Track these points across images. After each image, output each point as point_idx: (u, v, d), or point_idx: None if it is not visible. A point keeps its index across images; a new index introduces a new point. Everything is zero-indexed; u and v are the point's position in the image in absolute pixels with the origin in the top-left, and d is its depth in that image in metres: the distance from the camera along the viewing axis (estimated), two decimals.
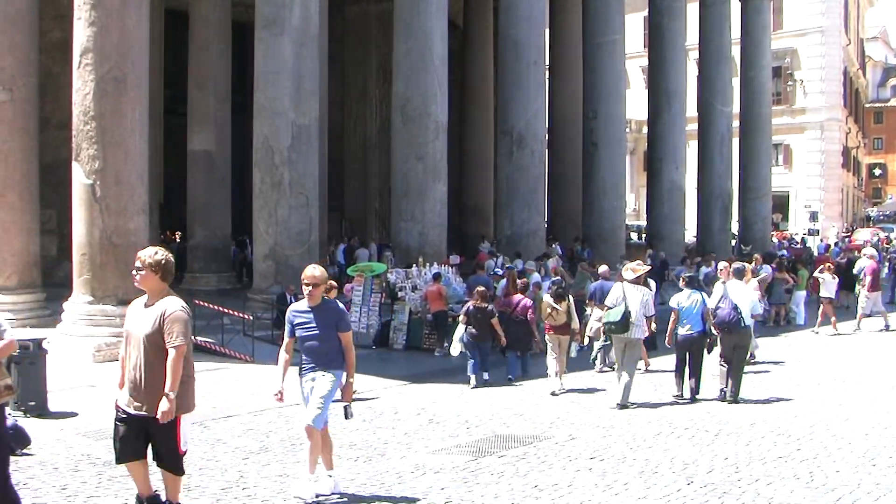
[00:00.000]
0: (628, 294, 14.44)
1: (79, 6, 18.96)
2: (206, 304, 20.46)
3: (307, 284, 9.04)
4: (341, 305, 9.79)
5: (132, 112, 18.97)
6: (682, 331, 14.75)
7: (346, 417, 9.25)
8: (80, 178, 18.85)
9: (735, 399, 14.33)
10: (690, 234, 43.53)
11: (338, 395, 9.26)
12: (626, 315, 14.16)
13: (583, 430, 12.35)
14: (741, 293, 14.86)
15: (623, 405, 13.95)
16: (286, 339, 9.34)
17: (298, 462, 10.37)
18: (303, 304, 9.25)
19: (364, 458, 10.80)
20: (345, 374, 9.20)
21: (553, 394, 15.35)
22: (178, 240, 32.09)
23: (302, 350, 9.23)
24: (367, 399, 14.76)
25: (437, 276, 21.18)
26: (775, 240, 49.32)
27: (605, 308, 14.93)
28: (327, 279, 9.51)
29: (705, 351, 14.84)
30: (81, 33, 18.91)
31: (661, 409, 13.97)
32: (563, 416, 13.38)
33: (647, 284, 15.97)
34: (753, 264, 25.68)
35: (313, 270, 9.10)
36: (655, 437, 11.81)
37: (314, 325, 9.09)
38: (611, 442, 11.52)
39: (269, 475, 9.87)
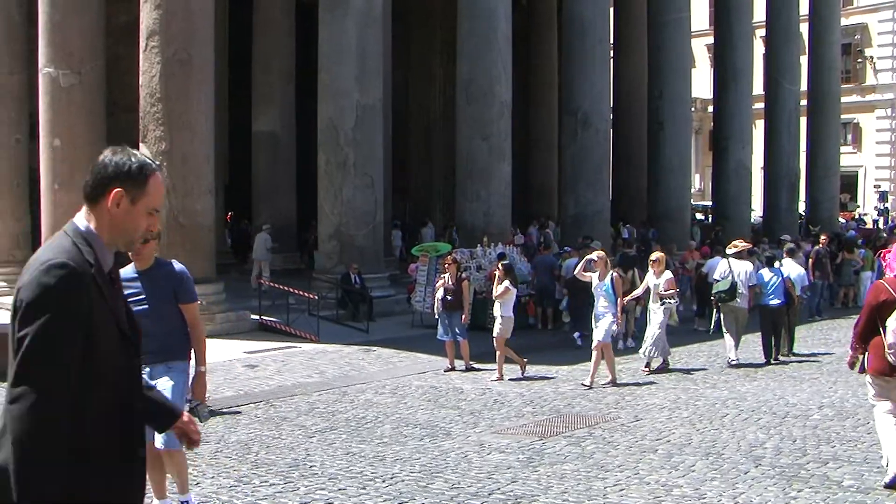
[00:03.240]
0: (734, 267, 16.61)
1: None
2: (272, 284, 20.61)
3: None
4: (180, 266, 7.25)
5: (198, 93, 19.15)
6: (773, 301, 16.73)
7: (200, 420, 6.04)
8: None
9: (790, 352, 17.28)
10: (757, 215, 42.95)
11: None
12: (734, 286, 16.30)
13: (648, 411, 12.26)
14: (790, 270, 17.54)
15: (735, 364, 15.93)
16: None
17: (364, 441, 10.42)
18: (129, 269, 6.86)
19: (429, 436, 10.79)
20: (193, 362, 7.18)
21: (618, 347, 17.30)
22: (235, 222, 32.32)
23: None
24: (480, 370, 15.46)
25: (501, 256, 21.10)
26: (842, 220, 48.47)
27: (715, 280, 17.11)
28: (159, 232, 6.99)
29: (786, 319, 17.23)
30: (148, 16, 19.11)
31: (729, 387, 13.83)
32: (627, 397, 13.29)
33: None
34: (820, 245, 25.39)
35: None
36: (722, 418, 11.67)
37: (142, 296, 6.81)
38: (676, 423, 11.41)
39: (336, 453, 9.89)
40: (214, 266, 19.37)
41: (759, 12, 39.72)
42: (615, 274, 14.26)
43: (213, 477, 8.88)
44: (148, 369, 6.69)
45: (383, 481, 8.74)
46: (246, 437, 10.68)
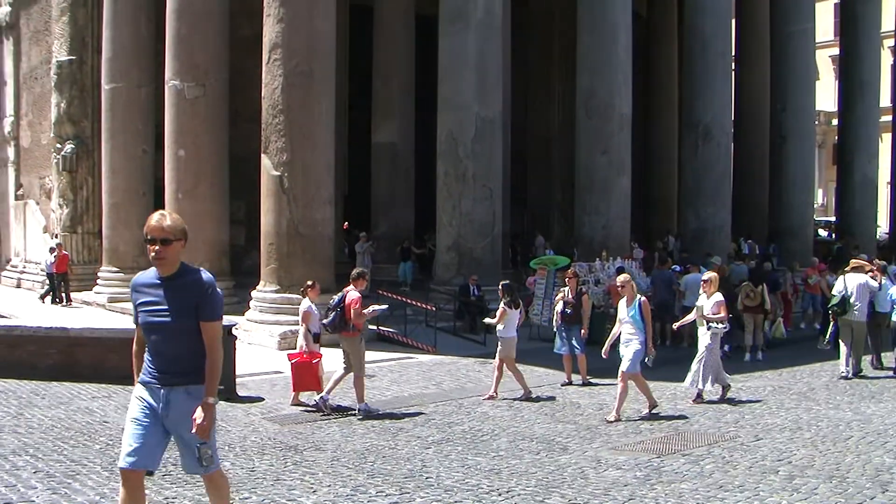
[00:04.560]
0: (848, 282, 17.11)
1: (268, 4, 19.51)
2: (389, 294, 20.72)
3: (152, 240, 5.88)
4: (208, 276, 6.14)
5: (319, 105, 19.40)
6: None
7: (200, 463, 5.94)
8: (268, 170, 19.38)
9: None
10: (882, 231, 41.85)
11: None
12: (845, 300, 16.90)
13: (769, 431, 11.94)
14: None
15: (847, 377, 16.36)
16: (136, 328, 6.23)
17: (480, 454, 10.37)
18: (150, 274, 6.13)
19: (546, 450, 10.68)
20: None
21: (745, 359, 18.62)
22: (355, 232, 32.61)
23: (148, 346, 6.10)
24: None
25: (620, 270, 20.92)
26: None
27: (831, 295, 17.82)
28: (185, 231, 6.05)
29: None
30: (271, 30, 19.45)
31: (853, 409, 13.41)
32: (747, 416, 12.98)
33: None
34: None
35: (161, 219, 5.94)
36: (846, 440, 11.32)
37: (165, 307, 5.96)
38: (798, 445, 11.09)
39: (452, 465, 9.85)
40: (333, 275, 19.54)
41: (888, 22, 38.75)
42: (643, 299, 13.60)
43: (329, 486, 8.91)
44: (159, 389, 5.94)
45: (499, 495, 8.67)
46: (362, 447, 10.71)
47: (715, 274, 15.47)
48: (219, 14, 22.61)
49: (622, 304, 13.42)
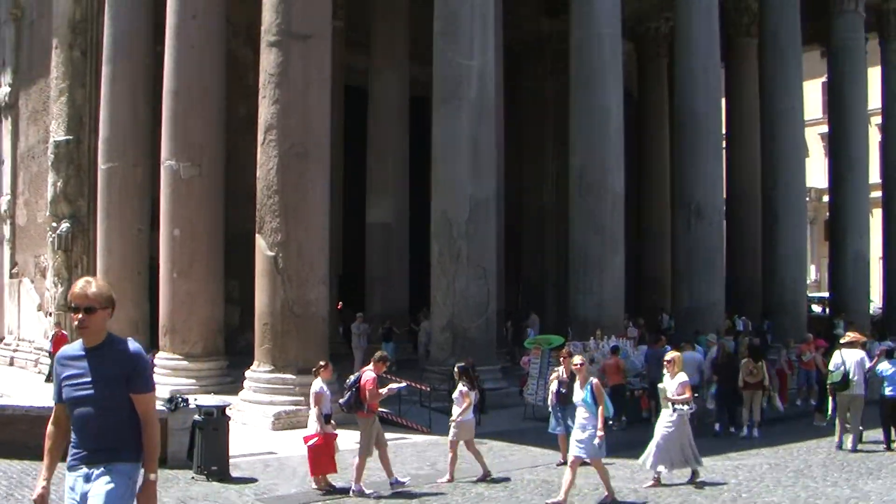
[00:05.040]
0: (846, 357, 17.51)
1: (264, 85, 19.72)
2: (384, 374, 20.63)
3: (75, 308, 5.58)
4: (136, 346, 5.77)
5: (313, 186, 19.52)
6: (888, 392, 17.27)
7: None
8: (263, 250, 19.45)
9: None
10: (876, 306, 41.91)
11: None
12: (846, 375, 17.26)
13: None
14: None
15: (853, 450, 16.89)
16: (54, 406, 5.84)
17: None
18: (75, 346, 5.77)
19: None
20: (141, 467, 5.72)
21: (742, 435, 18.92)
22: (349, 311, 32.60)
23: (72, 423, 5.69)
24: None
25: (615, 349, 20.96)
26: None
27: (829, 371, 17.98)
28: (111, 299, 5.66)
29: None
30: (266, 111, 19.64)
31: (851, 485, 13.36)
32: (744, 494, 12.91)
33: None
34: None
35: (86, 286, 5.62)
36: None
37: (88, 379, 5.57)
38: None
39: None
40: (328, 355, 19.48)
41: (874, 100, 39.22)
42: (595, 381, 13.46)
43: None
44: (84, 471, 5.57)
45: None
46: None
47: (678, 354, 15.43)
48: (215, 95, 22.84)
49: (576, 386, 13.37)
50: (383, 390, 13.30)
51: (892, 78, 38.23)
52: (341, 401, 13.26)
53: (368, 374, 13.14)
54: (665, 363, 14.76)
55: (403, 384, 14.60)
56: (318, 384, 13.59)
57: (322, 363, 14.10)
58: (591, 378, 13.35)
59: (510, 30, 29.92)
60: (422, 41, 25.34)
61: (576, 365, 13.52)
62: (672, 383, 14.17)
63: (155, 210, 23.87)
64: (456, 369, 15.10)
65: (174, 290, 22.20)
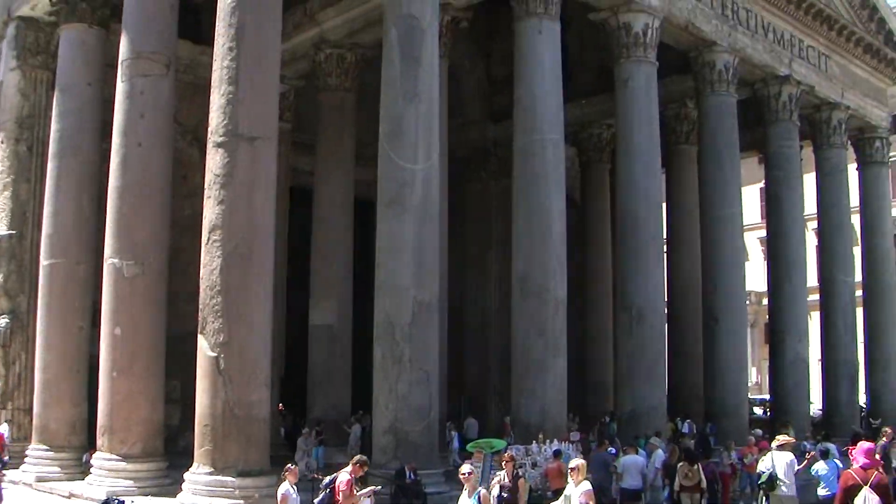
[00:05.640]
0: (776, 459, 18.07)
1: (210, 185, 19.77)
2: (323, 477, 20.45)
3: None
4: None
5: (257, 287, 19.48)
6: (822, 492, 17.78)
7: None
8: (204, 351, 19.30)
9: None
10: (816, 408, 42.30)
11: None
12: (772, 476, 17.77)
13: None
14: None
15: None
16: None
17: None
18: None
19: None
20: None
21: None
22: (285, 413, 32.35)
23: None
24: None
25: (557, 453, 20.97)
26: None
27: (758, 473, 18.72)
28: None
29: None
30: (211, 211, 19.64)
31: None
32: None
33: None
34: (884, 439, 24.93)
35: None
36: None
37: None
38: None
39: None
40: (268, 458, 19.34)
41: (810, 205, 40.15)
42: (482, 491, 13.45)
43: None
44: None
45: None
46: None
47: (583, 461, 15.28)
48: (160, 194, 22.85)
49: (464, 495, 13.36)
50: (364, 490, 13.25)
51: (826, 184, 39.24)
52: (316, 500, 13.21)
53: (343, 475, 13.11)
54: (570, 470, 14.71)
55: (380, 487, 14.51)
56: (284, 486, 13.58)
57: (290, 466, 14.09)
58: (480, 489, 13.37)
59: (455, 134, 30.42)
60: (368, 144, 25.63)
61: (463, 475, 13.52)
62: (576, 491, 14.16)
63: (97, 307, 23.67)
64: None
65: (114, 389, 21.91)
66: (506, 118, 32.14)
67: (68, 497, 22.05)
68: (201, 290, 19.65)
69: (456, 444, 28.17)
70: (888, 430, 26.73)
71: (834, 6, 38.04)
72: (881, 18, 40.74)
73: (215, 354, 19.05)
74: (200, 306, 19.60)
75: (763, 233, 41.52)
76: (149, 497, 19.46)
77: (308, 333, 29.20)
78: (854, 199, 40.83)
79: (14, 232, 27.97)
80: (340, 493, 12.90)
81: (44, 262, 25.76)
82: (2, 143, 28.57)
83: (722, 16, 32.40)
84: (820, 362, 39.19)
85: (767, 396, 42.53)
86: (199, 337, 19.52)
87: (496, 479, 16.44)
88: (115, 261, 22.23)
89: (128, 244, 22.22)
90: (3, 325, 27.63)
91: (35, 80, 28.70)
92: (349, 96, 30.54)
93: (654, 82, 29.72)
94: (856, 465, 12.37)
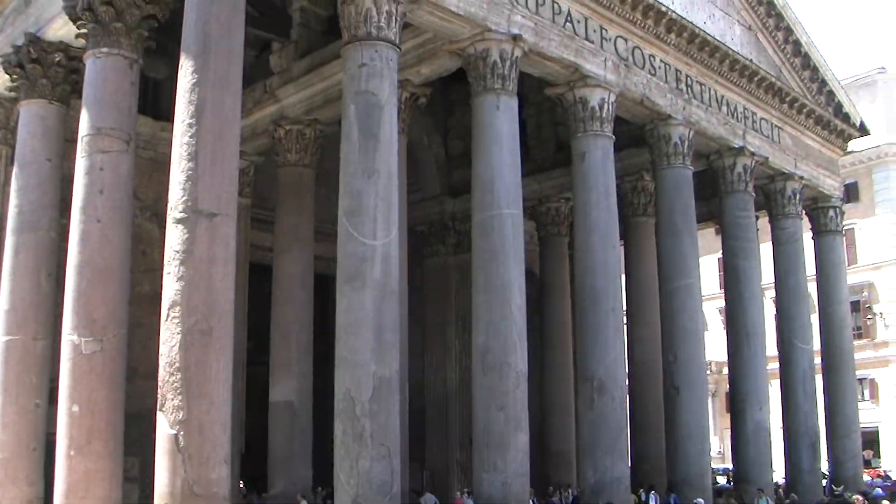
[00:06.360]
0: None
1: (168, 262, 19.74)
2: None
3: None
4: None
5: (217, 363, 19.39)
6: None
7: None
8: (164, 428, 19.14)
9: None
10: (779, 475, 42.38)
11: None
12: None
13: None
14: None
15: None
16: None
17: None
18: None
19: None
20: None
21: None
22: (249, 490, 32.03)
23: None
24: None
25: None
26: (868, 477, 47.74)
27: None
28: None
29: None
30: (170, 287, 19.59)
31: None
32: None
33: None
34: None
35: None
36: None
37: None
38: None
39: None
40: None
41: (768, 274, 40.60)
42: None
43: None
44: None
45: None
46: None
47: None
48: (119, 271, 22.73)
49: None
50: None
51: (782, 253, 39.80)
52: None
53: None
54: None
55: None
56: None
57: None
58: None
59: (414, 209, 30.63)
60: (327, 219, 25.75)
61: None
62: None
63: (54, 384, 23.42)
64: None
65: (71, 468, 21.59)
66: (464, 192, 32.46)
67: None
68: (160, 366, 19.51)
69: None
70: (858, 497, 26.84)
71: (785, 80, 38.90)
72: (830, 91, 41.74)
73: (175, 432, 18.90)
74: (160, 383, 19.46)
75: (722, 302, 41.90)
76: None
77: (268, 409, 29.01)
78: (810, 268, 41.35)
79: None
80: None
81: (1, 338, 25.52)
82: None
83: (676, 90, 32.99)
84: (782, 430, 39.35)
85: (730, 465, 42.57)
86: (159, 414, 19.37)
87: None
88: (74, 337, 22.04)
89: (86, 320, 22.05)
90: None
91: None
92: (308, 172, 30.70)
93: (611, 155, 30.11)
94: None
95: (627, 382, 32.81)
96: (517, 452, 25.19)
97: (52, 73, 26.22)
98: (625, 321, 32.95)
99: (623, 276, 33.01)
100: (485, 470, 25.30)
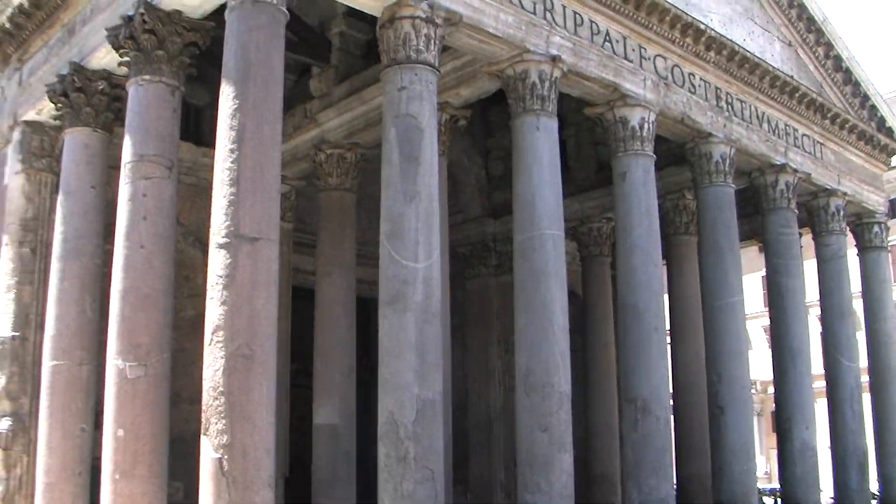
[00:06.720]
0: None
1: (211, 287, 19.82)
2: None
3: None
4: None
5: (260, 387, 19.42)
6: None
7: None
8: (207, 453, 19.19)
9: None
10: (827, 496, 41.90)
11: None
12: None
13: None
14: None
15: None
16: None
17: None
18: None
19: None
20: None
21: None
22: None
23: None
24: None
25: None
26: None
27: None
28: None
29: None
30: (213, 312, 19.66)
31: None
32: None
33: None
34: None
35: None
36: None
37: None
38: None
39: None
40: None
41: (812, 291, 40.23)
42: None
43: None
44: None
45: None
46: None
47: None
48: (163, 296, 22.89)
49: None
50: None
51: (826, 270, 39.40)
52: None
53: None
54: None
55: None
56: None
57: None
58: None
59: (455, 231, 30.64)
60: (369, 242, 25.81)
61: None
62: None
63: (99, 409, 23.61)
64: None
65: (116, 492, 21.70)
66: (505, 214, 32.44)
67: None
68: (204, 390, 19.59)
69: None
70: None
71: (826, 95, 38.62)
72: (872, 106, 41.35)
73: (219, 456, 18.96)
74: (203, 407, 19.53)
75: (766, 321, 41.49)
76: None
77: (312, 432, 29.06)
78: (855, 284, 40.93)
79: (17, 334, 28.02)
80: None
81: (46, 363, 25.75)
82: (6, 245, 28.74)
83: (717, 107, 32.83)
84: (829, 449, 38.91)
85: (777, 486, 42.13)
86: (203, 438, 19.44)
87: None
88: (119, 362, 22.20)
89: (130, 345, 22.20)
90: (4, 428, 27.54)
91: (39, 183, 29.03)
92: (349, 196, 30.81)
93: (652, 174, 29.96)
94: None
95: (672, 402, 32.59)
96: (561, 473, 25.05)
97: (95, 101, 26.50)
98: (668, 341, 32.79)
99: (666, 296, 32.85)
100: (528, 491, 25.18)
